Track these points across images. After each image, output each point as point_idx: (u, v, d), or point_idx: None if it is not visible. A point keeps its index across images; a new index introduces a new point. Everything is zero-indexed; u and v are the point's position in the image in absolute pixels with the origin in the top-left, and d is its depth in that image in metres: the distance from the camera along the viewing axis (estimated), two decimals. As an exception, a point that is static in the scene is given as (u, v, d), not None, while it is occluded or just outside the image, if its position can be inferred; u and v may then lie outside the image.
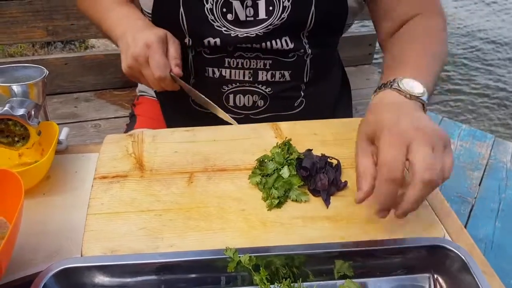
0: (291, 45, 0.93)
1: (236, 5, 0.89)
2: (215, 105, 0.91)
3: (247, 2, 0.89)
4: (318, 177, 0.75)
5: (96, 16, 1.00)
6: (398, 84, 0.70)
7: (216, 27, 0.90)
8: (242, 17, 0.90)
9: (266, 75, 0.96)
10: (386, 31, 0.94)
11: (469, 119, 3.22)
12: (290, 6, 0.88)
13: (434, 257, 0.65)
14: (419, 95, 0.69)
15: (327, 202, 0.73)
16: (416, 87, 0.70)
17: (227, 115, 0.90)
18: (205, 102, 0.91)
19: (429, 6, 0.91)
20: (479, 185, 2.29)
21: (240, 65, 0.94)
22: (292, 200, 0.74)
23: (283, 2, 0.88)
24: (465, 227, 2.11)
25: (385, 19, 0.94)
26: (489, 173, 2.37)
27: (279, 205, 0.73)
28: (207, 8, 0.89)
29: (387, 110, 0.67)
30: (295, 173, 0.76)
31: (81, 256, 0.65)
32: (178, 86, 0.89)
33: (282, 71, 0.96)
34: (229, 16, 0.90)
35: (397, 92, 0.70)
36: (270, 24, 0.90)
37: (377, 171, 0.61)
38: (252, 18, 0.90)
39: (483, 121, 3.18)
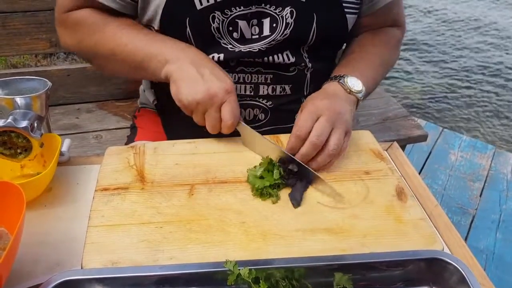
0: (292, 59, 0.95)
1: (242, 24, 0.90)
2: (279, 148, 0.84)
3: (253, 21, 0.91)
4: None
5: (119, 49, 0.89)
6: (344, 80, 0.90)
7: (222, 44, 0.92)
8: (247, 35, 0.92)
9: (267, 89, 0.97)
10: (357, 35, 1.06)
11: (470, 129, 3.22)
12: (293, 23, 0.90)
13: (433, 270, 0.65)
14: (357, 92, 0.90)
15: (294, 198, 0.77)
16: (356, 85, 0.90)
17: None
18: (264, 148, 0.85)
19: (396, 21, 1.08)
20: (480, 196, 2.30)
21: (241, 80, 0.95)
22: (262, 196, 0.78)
23: (286, 19, 0.90)
24: (466, 238, 2.12)
25: (364, 28, 1.05)
26: (490, 184, 2.38)
27: (263, 196, 0.78)
28: (213, 27, 0.90)
29: (324, 94, 0.89)
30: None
31: (82, 268, 0.65)
32: (232, 130, 0.85)
33: (282, 85, 0.97)
34: (235, 35, 0.91)
35: (341, 86, 0.90)
36: (273, 40, 0.91)
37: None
38: (257, 36, 0.92)
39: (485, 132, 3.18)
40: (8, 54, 1.63)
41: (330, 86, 0.91)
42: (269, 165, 0.81)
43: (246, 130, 0.86)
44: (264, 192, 0.78)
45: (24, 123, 0.76)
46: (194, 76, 0.82)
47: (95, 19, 0.92)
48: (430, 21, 4.84)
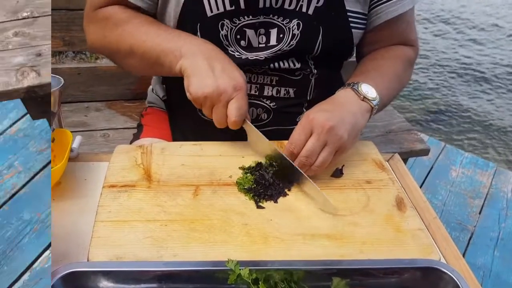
0: (297, 65, 0.97)
1: (250, 33, 0.93)
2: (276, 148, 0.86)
3: (260, 30, 0.93)
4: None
5: (137, 44, 0.90)
6: (358, 86, 0.89)
7: (230, 51, 0.94)
8: (254, 44, 0.94)
9: (272, 91, 0.99)
10: (366, 52, 1.07)
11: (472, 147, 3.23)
12: (299, 35, 0.93)
13: (429, 279, 0.67)
14: (371, 99, 0.88)
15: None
16: (371, 92, 0.89)
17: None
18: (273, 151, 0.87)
19: (407, 40, 1.07)
20: (479, 213, 2.31)
21: (247, 79, 0.97)
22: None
23: (293, 30, 0.93)
24: (464, 254, 2.11)
25: (371, 45, 1.05)
26: (490, 201, 2.38)
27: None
28: (222, 35, 0.92)
29: (330, 103, 0.88)
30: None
31: (87, 261, 0.67)
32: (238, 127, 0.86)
33: (287, 88, 1.00)
34: (242, 43, 0.94)
35: (354, 92, 0.89)
36: (279, 50, 0.94)
37: None
38: (264, 45, 0.94)
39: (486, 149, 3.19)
40: (21, 51, 1.65)
41: (342, 93, 0.90)
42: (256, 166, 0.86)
43: (251, 129, 0.87)
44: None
45: (37, 118, 0.78)
46: (206, 70, 0.82)
47: (120, 15, 0.94)
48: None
